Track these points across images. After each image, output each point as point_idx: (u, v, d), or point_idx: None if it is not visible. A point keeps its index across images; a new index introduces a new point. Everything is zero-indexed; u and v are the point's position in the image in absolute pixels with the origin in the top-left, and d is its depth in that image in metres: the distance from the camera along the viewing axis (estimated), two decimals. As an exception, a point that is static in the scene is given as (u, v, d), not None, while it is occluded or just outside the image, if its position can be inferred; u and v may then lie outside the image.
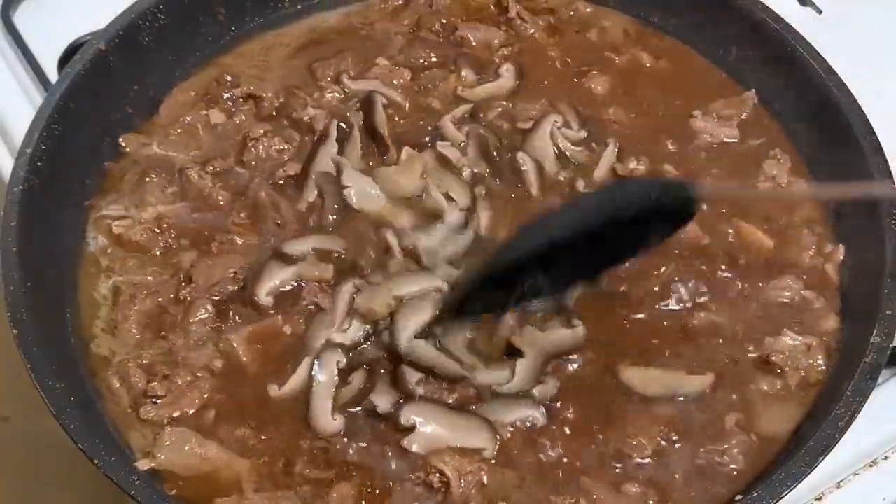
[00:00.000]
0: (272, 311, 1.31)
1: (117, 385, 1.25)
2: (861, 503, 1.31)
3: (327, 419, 1.21)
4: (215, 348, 1.28)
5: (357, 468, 1.19)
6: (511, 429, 1.22)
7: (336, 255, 1.36)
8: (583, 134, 1.52)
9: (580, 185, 1.46)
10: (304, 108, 1.53)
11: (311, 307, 1.31)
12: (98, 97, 1.46)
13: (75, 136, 1.42)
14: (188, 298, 1.32)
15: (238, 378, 1.27)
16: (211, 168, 1.46)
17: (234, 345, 1.28)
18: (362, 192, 1.42)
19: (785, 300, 1.35)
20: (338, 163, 1.45)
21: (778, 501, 1.11)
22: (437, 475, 1.16)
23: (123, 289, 1.34)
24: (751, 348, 1.30)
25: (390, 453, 1.20)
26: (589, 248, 1.20)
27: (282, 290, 1.33)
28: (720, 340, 1.31)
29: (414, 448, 1.19)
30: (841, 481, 1.31)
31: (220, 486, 1.18)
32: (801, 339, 1.29)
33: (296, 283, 1.33)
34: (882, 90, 1.53)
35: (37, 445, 1.95)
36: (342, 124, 1.50)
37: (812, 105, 1.48)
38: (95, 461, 1.10)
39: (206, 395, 1.24)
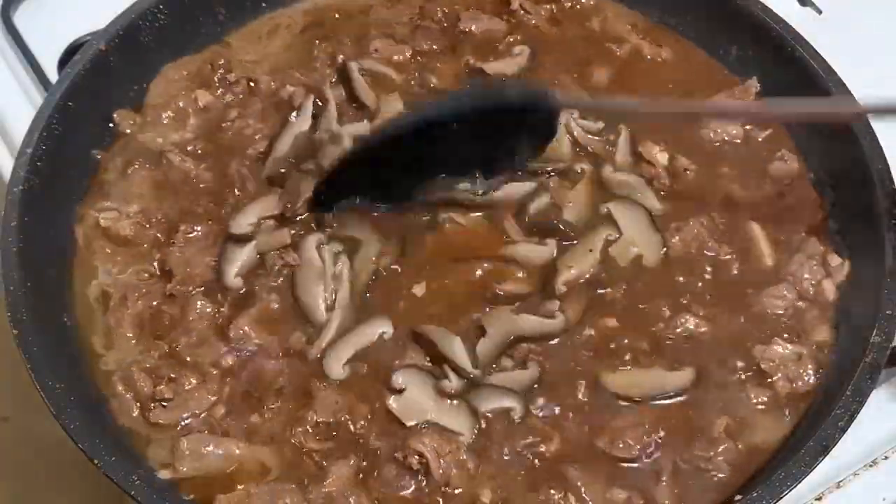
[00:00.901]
0: (244, 290, 1.32)
1: (122, 391, 1.24)
2: (861, 503, 1.31)
3: (339, 368, 1.25)
4: (224, 341, 1.27)
5: (354, 444, 1.20)
6: (489, 415, 1.22)
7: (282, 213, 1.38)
8: (600, 124, 1.51)
9: (608, 170, 1.46)
10: (284, 87, 1.54)
11: (285, 270, 1.33)
12: (98, 97, 1.46)
13: (75, 136, 1.42)
14: (175, 295, 1.32)
15: (249, 365, 1.27)
16: (191, 148, 1.47)
17: (247, 329, 1.28)
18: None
19: (778, 310, 1.34)
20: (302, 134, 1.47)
21: (778, 501, 1.11)
22: (417, 456, 1.17)
23: (112, 292, 1.33)
24: (740, 355, 1.29)
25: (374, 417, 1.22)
26: (457, 142, 1.33)
27: (248, 268, 1.34)
28: (708, 345, 1.30)
29: (394, 407, 1.21)
30: (841, 481, 1.31)
31: (244, 478, 1.18)
32: (791, 347, 1.29)
33: (259, 256, 1.35)
34: (882, 90, 1.52)
35: (37, 445, 1.95)
36: (318, 100, 1.51)
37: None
38: (95, 461, 1.10)
39: (214, 396, 1.24)
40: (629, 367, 1.27)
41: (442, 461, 1.17)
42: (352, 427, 1.21)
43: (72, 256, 1.37)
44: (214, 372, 1.25)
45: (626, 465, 1.20)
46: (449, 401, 1.22)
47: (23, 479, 2.00)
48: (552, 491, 1.17)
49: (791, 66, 1.51)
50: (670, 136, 1.51)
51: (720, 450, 1.21)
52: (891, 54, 1.75)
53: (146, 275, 1.35)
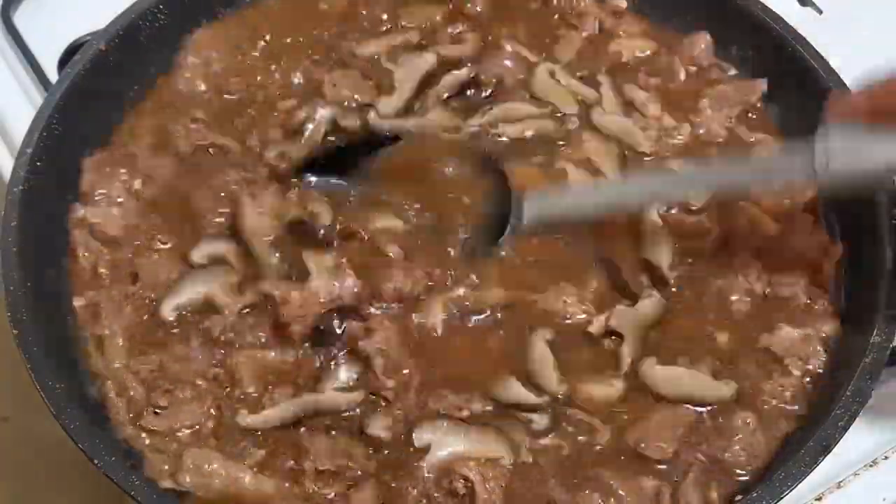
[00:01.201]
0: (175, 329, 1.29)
1: (114, 398, 1.23)
2: (861, 503, 1.31)
3: None
4: (211, 358, 1.26)
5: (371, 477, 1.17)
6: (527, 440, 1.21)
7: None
8: (584, 71, 1.55)
9: (598, 113, 1.50)
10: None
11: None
12: (98, 97, 1.46)
13: (75, 136, 1.41)
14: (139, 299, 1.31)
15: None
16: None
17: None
18: None
19: (786, 295, 1.34)
20: None
21: (778, 501, 1.11)
22: (462, 480, 1.15)
23: (101, 301, 1.31)
24: (756, 344, 1.30)
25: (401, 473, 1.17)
26: None
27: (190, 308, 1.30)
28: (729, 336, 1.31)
29: (427, 465, 1.16)
30: (841, 481, 1.31)
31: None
32: (798, 331, 1.30)
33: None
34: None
35: (37, 445, 1.95)
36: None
37: (812, 105, 1.47)
38: (95, 461, 1.10)
39: (208, 408, 1.22)
40: (675, 364, 1.27)
41: (487, 485, 1.15)
42: (359, 470, 1.18)
43: (69, 256, 1.37)
44: (203, 385, 1.24)
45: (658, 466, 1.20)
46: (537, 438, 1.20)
47: (23, 479, 2.00)
48: (592, 493, 1.17)
49: (791, 65, 1.51)
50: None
51: (738, 438, 1.21)
52: (891, 54, 1.75)
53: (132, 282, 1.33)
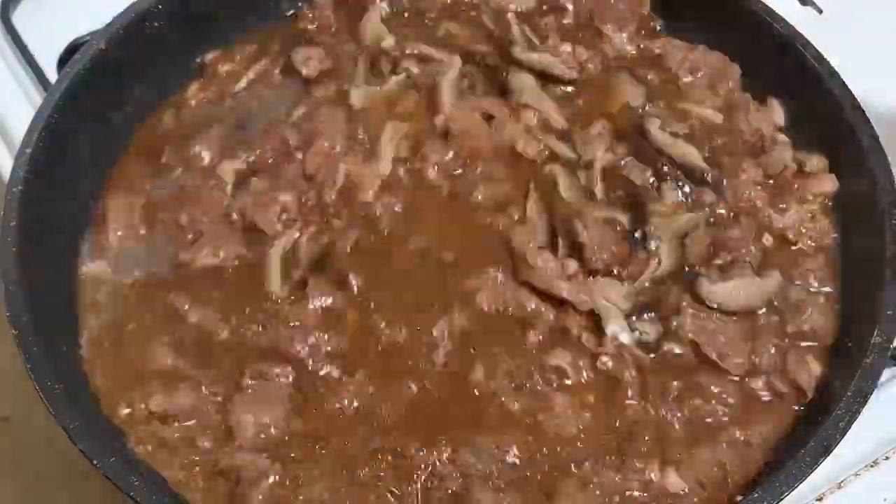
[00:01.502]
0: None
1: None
2: (862, 503, 1.31)
3: None
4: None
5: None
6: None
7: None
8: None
9: (518, 50, 1.58)
10: None
11: None
12: (98, 97, 1.46)
13: (75, 136, 1.41)
14: None
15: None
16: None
17: None
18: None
19: (779, 169, 1.45)
20: None
21: (779, 502, 1.11)
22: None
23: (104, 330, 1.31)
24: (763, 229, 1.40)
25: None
26: None
27: None
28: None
29: None
30: (842, 482, 1.31)
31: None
32: (803, 207, 1.41)
33: None
34: (882, 89, 1.53)
35: (37, 445, 1.95)
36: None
37: (812, 105, 1.48)
38: (95, 461, 1.10)
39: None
40: (723, 278, 1.33)
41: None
42: None
43: (75, 258, 1.37)
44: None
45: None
46: None
47: (23, 479, 1.99)
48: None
49: (792, 65, 1.51)
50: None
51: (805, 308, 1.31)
52: (891, 54, 1.75)
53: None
